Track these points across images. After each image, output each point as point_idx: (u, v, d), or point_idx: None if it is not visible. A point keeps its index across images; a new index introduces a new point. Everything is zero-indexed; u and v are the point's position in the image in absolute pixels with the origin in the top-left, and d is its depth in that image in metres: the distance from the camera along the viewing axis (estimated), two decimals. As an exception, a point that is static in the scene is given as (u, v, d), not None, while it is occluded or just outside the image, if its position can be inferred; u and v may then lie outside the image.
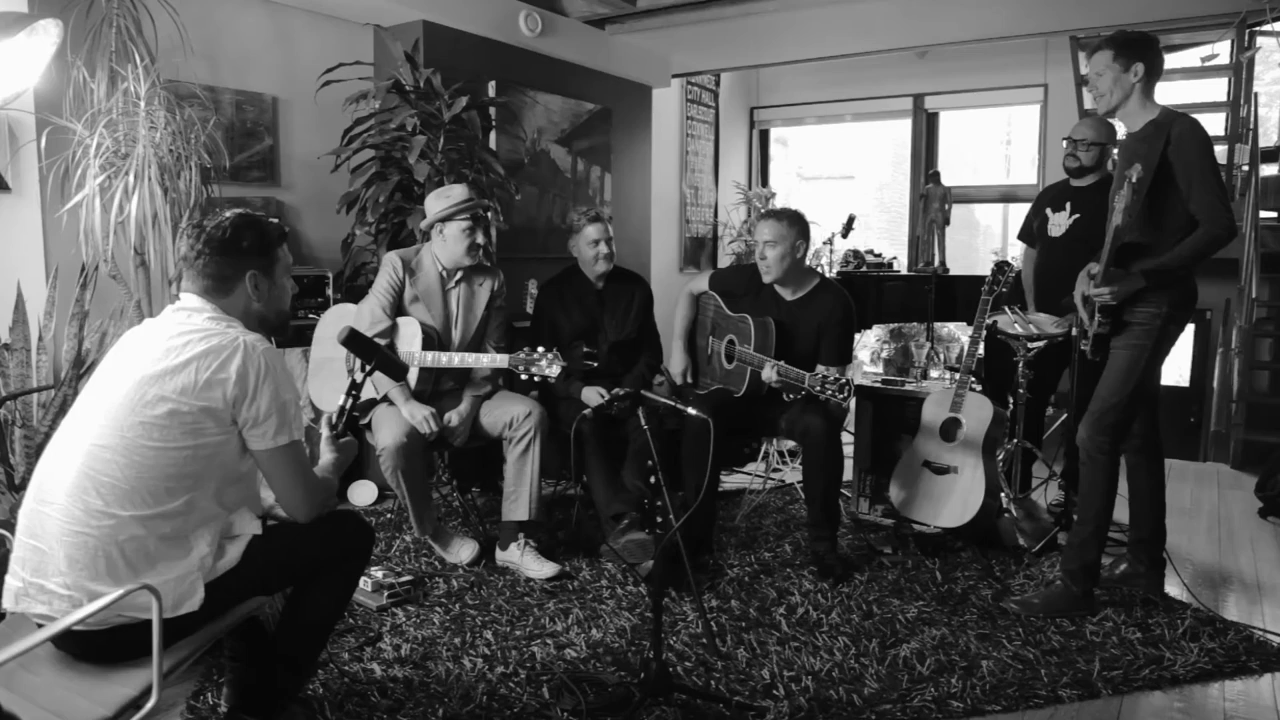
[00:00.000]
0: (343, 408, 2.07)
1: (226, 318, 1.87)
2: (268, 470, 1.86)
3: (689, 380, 3.67)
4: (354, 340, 2.18)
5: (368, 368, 2.14)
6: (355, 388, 2.07)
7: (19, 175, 3.32)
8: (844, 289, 3.53)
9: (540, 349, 3.09)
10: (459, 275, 3.36)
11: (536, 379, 3.08)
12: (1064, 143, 3.85)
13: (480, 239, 3.27)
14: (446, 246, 3.28)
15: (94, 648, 1.70)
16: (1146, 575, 3.03)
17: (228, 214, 1.93)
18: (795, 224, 3.36)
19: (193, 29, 3.48)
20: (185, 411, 1.73)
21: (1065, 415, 4.10)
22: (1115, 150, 3.77)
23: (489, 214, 3.39)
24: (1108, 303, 2.75)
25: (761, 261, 3.38)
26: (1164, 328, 2.77)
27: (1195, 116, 2.71)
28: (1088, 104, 5.35)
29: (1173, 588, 3.11)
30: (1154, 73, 2.76)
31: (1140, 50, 2.75)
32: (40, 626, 1.69)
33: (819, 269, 4.12)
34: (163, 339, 1.80)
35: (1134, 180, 2.61)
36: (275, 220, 2.02)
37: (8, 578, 1.74)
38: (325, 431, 2.08)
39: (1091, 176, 3.80)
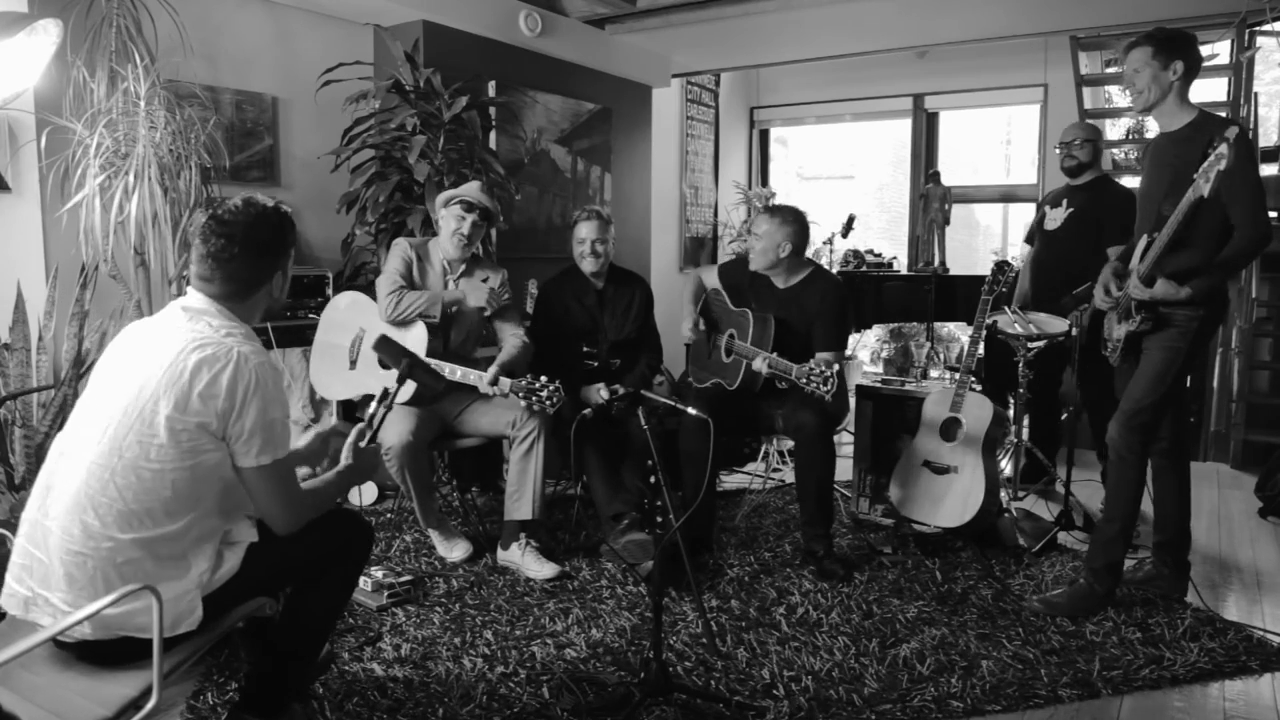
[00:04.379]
0: (371, 416, 2.02)
1: (231, 321, 1.81)
2: (249, 486, 1.80)
3: (700, 329, 3.51)
4: (385, 345, 2.18)
5: (402, 375, 2.11)
6: (388, 396, 2.02)
7: (19, 175, 3.32)
8: (836, 276, 3.52)
9: (544, 379, 3.04)
10: (461, 269, 3.40)
11: (535, 408, 3.08)
12: (1057, 150, 4.02)
13: (468, 230, 3.31)
14: (442, 233, 3.36)
15: (96, 655, 1.69)
16: (1170, 578, 3.02)
17: (256, 206, 1.83)
18: (786, 224, 3.35)
19: (193, 29, 3.48)
20: (180, 430, 1.68)
21: (1065, 415, 4.10)
22: (1113, 146, 3.81)
23: (488, 220, 3.41)
24: (1143, 300, 2.71)
25: (751, 251, 3.44)
26: (1200, 329, 2.74)
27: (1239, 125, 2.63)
28: (1088, 103, 5.35)
29: (1173, 588, 3.11)
30: (1192, 72, 2.72)
31: (1180, 48, 2.70)
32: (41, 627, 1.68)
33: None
34: (169, 350, 1.73)
35: (1205, 194, 2.48)
36: (279, 203, 1.94)
37: (13, 583, 1.73)
38: (351, 438, 2.02)
39: (1089, 173, 3.98)
